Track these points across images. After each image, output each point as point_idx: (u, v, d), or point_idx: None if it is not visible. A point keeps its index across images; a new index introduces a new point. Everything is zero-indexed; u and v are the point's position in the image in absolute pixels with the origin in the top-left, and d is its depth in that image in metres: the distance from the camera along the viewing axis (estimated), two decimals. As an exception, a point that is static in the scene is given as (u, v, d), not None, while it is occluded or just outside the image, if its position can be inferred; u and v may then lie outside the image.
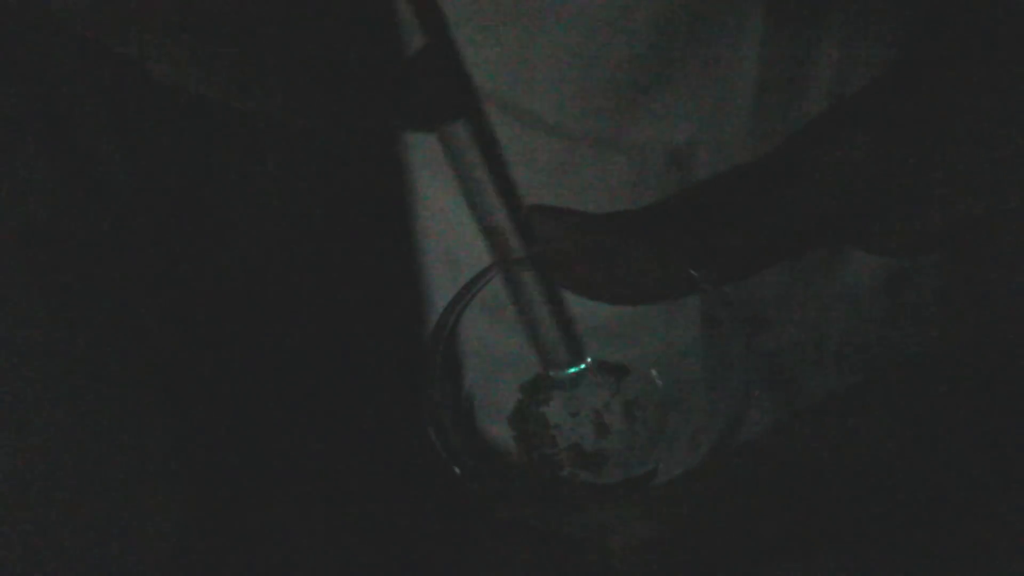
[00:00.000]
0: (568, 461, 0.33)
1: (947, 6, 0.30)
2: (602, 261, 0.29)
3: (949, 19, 0.30)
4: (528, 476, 0.32)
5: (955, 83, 0.28)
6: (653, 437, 0.34)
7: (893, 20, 0.46)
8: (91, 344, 0.71)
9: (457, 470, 0.30)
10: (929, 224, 0.28)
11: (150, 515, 0.72)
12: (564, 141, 0.53)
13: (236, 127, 0.63)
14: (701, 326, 0.33)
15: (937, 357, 0.27)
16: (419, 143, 0.59)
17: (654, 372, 0.35)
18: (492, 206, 0.30)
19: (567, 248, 0.29)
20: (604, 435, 0.33)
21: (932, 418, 0.27)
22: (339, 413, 0.71)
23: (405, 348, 0.68)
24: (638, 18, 0.48)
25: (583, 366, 0.33)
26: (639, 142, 0.52)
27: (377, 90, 0.29)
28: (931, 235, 0.28)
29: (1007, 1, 0.29)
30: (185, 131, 0.64)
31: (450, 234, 0.60)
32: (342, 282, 0.70)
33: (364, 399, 0.71)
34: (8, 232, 0.67)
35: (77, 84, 0.62)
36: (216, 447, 0.72)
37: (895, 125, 0.28)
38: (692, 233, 0.29)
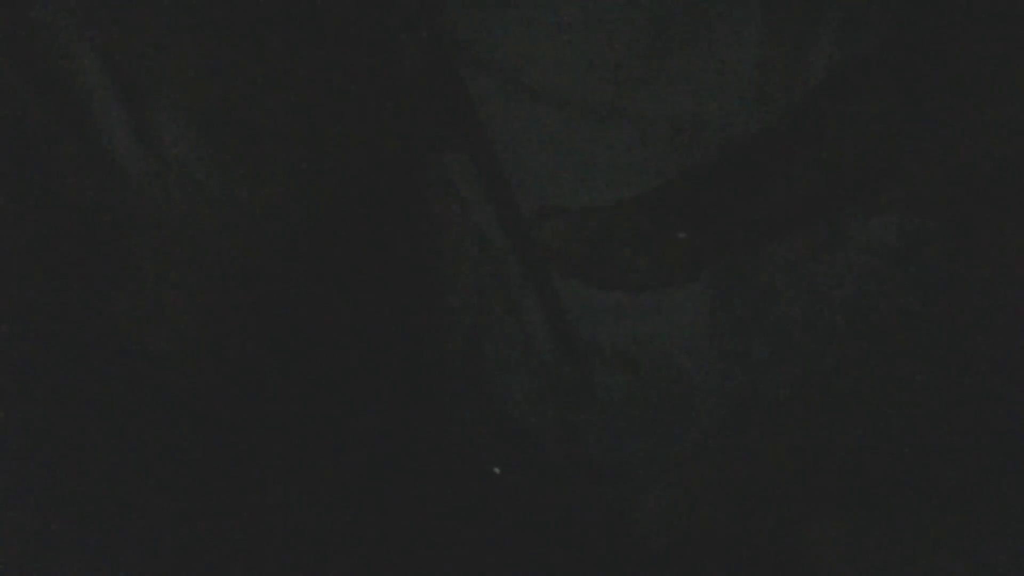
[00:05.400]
0: (592, 443, 0.34)
1: None
2: (610, 251, 0.29)
3: None
4: (557, 462, 0.33)
5: (958, 40, 0.28)
6: (667, 417, 0.34)
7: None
8: (93, 340, 0.71)
9: (496, 471, 0.30)
10: (936, 177, 0.28)
11: (153, 512, 0.72)
12: (569, 113, 0.54)
13: (247, 119, 0.63)
14: (711, 304, 0.34)
15: (942, 326, 0.28)
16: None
17: (669, 355, 0.36)
18: (493, 227, 0.30)
19: (574, 242, 0.29)
20: (622, 418, 0.34)
21: (939, 384, 0.27)
22: (354, 412, 0.71)
23: (422, 343, 0.68)
24: None
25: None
26: (643, 114, 0.52)
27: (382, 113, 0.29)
28: (939, 189, 0.28)
29: None
30: (194, 117, 0.65)
31: (466, 222, 0.60)
32: (356, 273, 0.70)
33: (377, 396, 0.71)
34: (10, 224, 0.68)
35: (87, 68, 0.62)
36: (223, 446, 0.73)
37: (900, 84, 0.28)
38: (702, 212, 0.29)
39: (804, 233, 0.53)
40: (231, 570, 0.73)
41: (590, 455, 0.33)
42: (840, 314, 0.54)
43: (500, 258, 0.31)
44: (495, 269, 0.31)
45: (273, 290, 0.71)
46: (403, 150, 0.64)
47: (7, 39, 0.64)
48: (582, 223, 0.30)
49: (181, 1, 0.62)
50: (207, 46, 0.63)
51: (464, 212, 0.31)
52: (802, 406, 0.29)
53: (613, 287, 0.31)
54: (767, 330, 0.32)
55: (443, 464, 0.66)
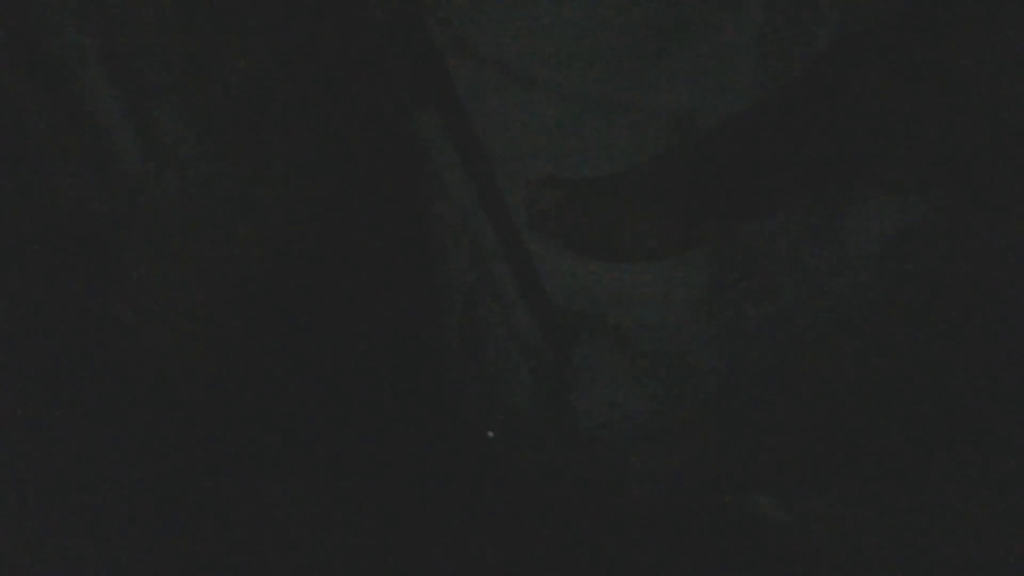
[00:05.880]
0: (584, 419, 0.34)
1: None
2: (603, 221, 0.30)
3: None
4: (548, 435, 0.34)
5: (954, 19, 0.29)
6: (658, 387, 0.35)
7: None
8: (92, 340, 0.71)
9: (490, 434, 0.31)
10: (934, 152, 0.29)
11: (151, 513, 0.72)
12: (566, 105, 0.54)
13: (246, 98, 0.63)
14: (708, 281, 0.34)
15: (939, 313, 0.28)
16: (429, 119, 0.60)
17: (662, 327, 0.36)
18: (466, 193, 0.31)
19: (567, 213, 0.30)
20: (613, 394, 0.34)
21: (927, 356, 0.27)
22: (352, 395, 0.72)
23: (418, 327, 0.69)
24: None
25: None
26: (642, 106, 0.53)
27: (350, 68, 0.29)
28: (936, 163, 0.29)
29: None
30: (197, 109, 0.65)
31: (459, 209, 0.61)
32: (353, 262, 0.71)
33: (377, 384, 0.71)
34: (9, 224, 0.68)
35: (87, 68, 0.62)
36: (224, 443, 0.73)
37: (897, 60, 0.29)
38: (700, 181, 0.30)
39: (801, 220, 0.54)
40: (231, 569, 0.73)
41: (578, 424, 0.34)
42: (836, 303, 0.55)
43: (488, 243, 0.31)
44: (485, 253, 0.32)
45: (273, 288, 0.71)
46: (402, 147, 0.64)
47: (7, 39, 0.64)
48: (575, 194, 0.30)
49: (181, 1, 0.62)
50: (206, 45, 0.63)
51: (454, 205, 0.31)
52: (795, 381, 0.30)
53: (607, 259, 0.31)
54: (764, 314, 0.32)
55: (440, 442, 0.67)
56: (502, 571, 0.67)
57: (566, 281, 0.34)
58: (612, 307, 0.35)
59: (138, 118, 0.67)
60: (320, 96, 0.64)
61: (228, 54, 0.63)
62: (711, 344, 0.35)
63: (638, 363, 0.35)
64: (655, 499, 0.30)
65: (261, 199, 0.69)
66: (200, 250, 0.71)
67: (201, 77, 0.64)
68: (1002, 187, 0.30)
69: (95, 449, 0.72)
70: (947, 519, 0.30)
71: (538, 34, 0.52)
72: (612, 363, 0.36)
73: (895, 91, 0.30)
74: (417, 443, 0.69)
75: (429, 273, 0.68)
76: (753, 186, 0.30)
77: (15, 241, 0.70)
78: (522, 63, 0.54)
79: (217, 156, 0.68)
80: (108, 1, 0.63)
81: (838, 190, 0.31)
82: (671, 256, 0.32)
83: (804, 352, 0.58)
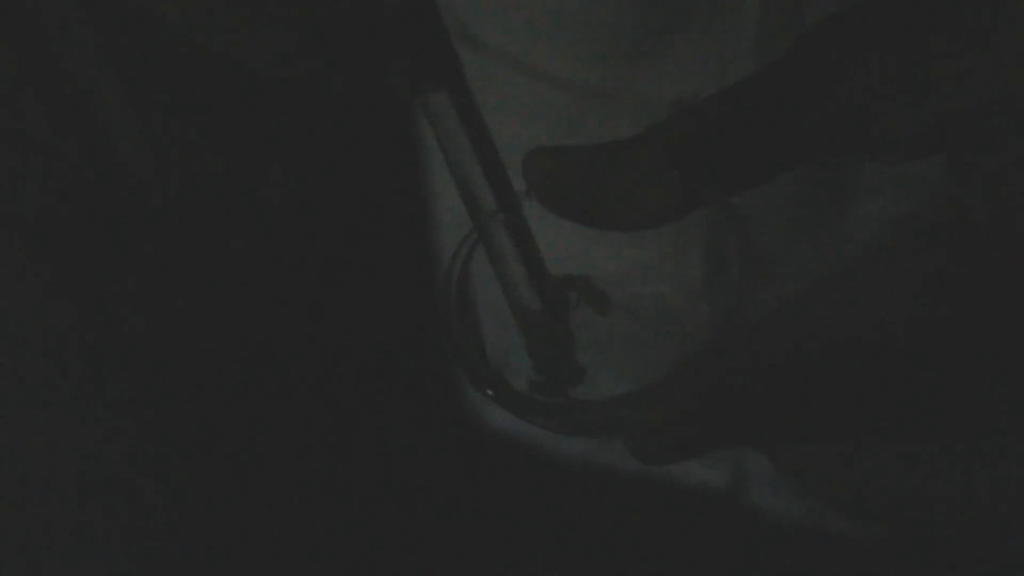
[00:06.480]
0: (576, 382, 0.34)
1: None
2: (603, 187, 0.30)
3: None
4: (543, 397, 0.33)
5: None
6: (653, 353, 0.34)
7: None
8: (94, 336, 0.71)
9: (490, 392, 0.31)
10: (930, 118, 0.28)
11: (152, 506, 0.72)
12: (569, 95, 0.54)
13: (246, 96, 0.64)
14: (706, 253, 0.34)
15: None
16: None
17: (659, 298, 0.36)
18: (473, 176, 0.30)
19: (564, 179, 0.30)
20: (602, 358, 0.34)
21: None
22: (353, 372, 0.71)
23: (418, 304, 0.69)
24: None
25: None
26: (644, 95, 0.53)
27: (363, 50, 0.29)
28: (932, 131, 0.28)
29: None
30: (200, 104, 0.65)
31: (462, 184, 0.60)
32: (353, 243, 0.71)
33: (378, 360, 0.71)
34: (9, 222, 0.68)
35: (87, 67, 0.62)
36: (226, 442, 0.72)
37: (893, 26, 0.28)
38: (693, 148, 0.29)
39: (798, 202, 0.53)
40: (232, 569, 0.73)
41: (571, 388, 0.33)
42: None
43: (488, 207, 0.31)
44: (484, 218, 0.31)
45: (275, 286, 0.71)
46: (404, 142, 0.65)
47: (7, 39, 0.65)
48: (571, 160, 0.30)
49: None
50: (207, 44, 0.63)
51: (458, 182, 0.31)
52: (791, 318, 0.29)
53: (604, 226, 0.31)
54: (761, 292, 0.32)
55: (441, 435, 0.66)
56: (501, 565, 0.67)
57: (558, 252, 0.33)
58: (603, 277, 0.35)
59: (140, 118, 0.67)
60: (322, 91, 0.65)
61: (232, 52, 0.63)
62: (705, 313, 0.34)
63: (629, 328, 0.35)
64: (642, 457, 0.29)
65: (264, 198, 0.70)
66: (202, 248, 0.71)
67: (203, 75, 0.65)
68: (1003, 169, 0.29)
69: (97, 449, 0.72)
70: (936, 462, 0.29)
71: (540, 24, 0.52)
72: (604, 328, 0.35)
73: (893, 58, 0.29)
74: (419, 438, 0.69)
75: (430, 268, 0.68)
76: (751, 151, 0.30)
77: (16, 240, 0.70)
78: (524, 53, 0.54)
79: (219, 155, 0.69)
80: (111, 2, 0.64)
81: (835, 160, 0.31)
82: (667, 222, 0.31)
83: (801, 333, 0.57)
